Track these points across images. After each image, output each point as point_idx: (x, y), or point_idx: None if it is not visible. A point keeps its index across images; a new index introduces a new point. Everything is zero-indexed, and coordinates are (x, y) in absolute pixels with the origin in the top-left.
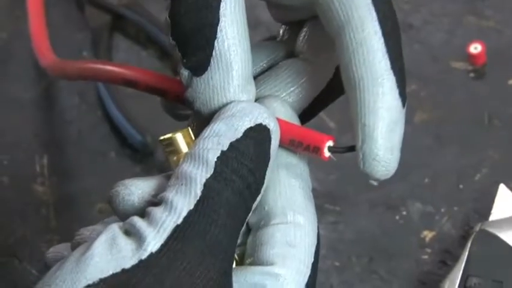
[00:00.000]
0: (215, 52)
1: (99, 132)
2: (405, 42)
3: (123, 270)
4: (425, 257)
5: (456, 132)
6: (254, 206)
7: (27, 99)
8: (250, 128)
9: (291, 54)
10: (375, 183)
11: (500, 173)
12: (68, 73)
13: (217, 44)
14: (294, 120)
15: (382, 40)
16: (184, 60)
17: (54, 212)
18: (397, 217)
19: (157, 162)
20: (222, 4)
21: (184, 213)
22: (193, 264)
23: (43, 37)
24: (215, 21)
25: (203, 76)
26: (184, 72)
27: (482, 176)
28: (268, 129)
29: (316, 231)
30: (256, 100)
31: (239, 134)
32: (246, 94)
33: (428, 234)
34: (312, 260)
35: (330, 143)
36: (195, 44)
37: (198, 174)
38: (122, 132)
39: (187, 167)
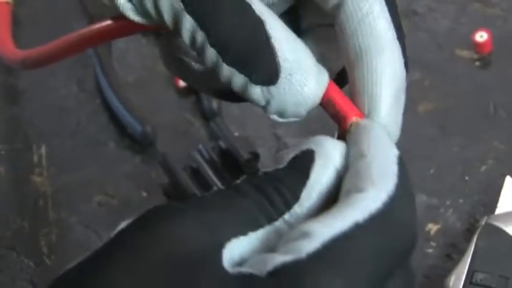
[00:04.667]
0: (279, 52)
1: (98, 122)
2: (409, 29)
3: None
4: (430, 250)
5: (461, 122)
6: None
7: (24, 88)
8: None
9: None
10: None
11: (507, 164)
12: (40, 60)
13: (275, 43)
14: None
15: (386, 9)
16: (254, 77)
17: (52, 204)
18: None
19: (157, 152)
20: (253, 6)
21: None
22: None
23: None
24: (262, 23)
25: (280, 80)
26: (257, 90)
27: (488, 167)
28: None
29: None
30: None
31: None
32: (323, 75)
33: (433, 227)
34: None
35: (355, 119)
36: (257, 53)
37: None
38: (121, 121)
39: None
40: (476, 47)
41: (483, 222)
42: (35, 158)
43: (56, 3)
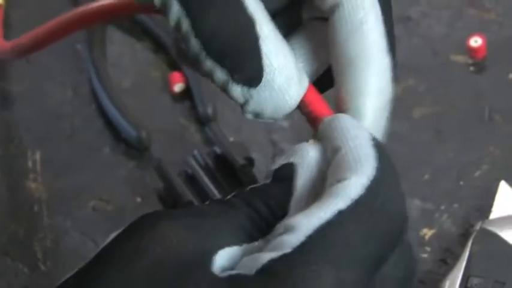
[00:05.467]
0: (264, 54)
1: (93, 127)
2: (404, 35)
3: None
4: (425, 255)
5: (456, 127)
6: None
7: (18, 94)
8: None
9: None
10: None
11: (501, 169)
12: (29, 46)
13: (263, 44)
14: None
15: (381, 19)
16: (236, 76)
17: (47, 209)
18: None
19: (152, 157)
20: (246, 3)
21: None
22: None
23: None
24: (252, 23)
25: (262, 84)
26: (237, 89)
27: (483, 172)
28: None
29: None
30: None
31: None
32: (304, 81)
33: (427, 232)
34: None
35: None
36: (243, 52)
37: None
38: (116, 127)
39: None
40: (471, 52)
41: (478, 227)
42: (30, 164)
43: (48, 4)
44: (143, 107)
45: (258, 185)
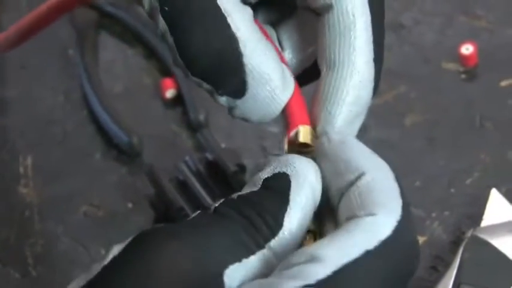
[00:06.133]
0: (248, 70)
1: (85, 133)
2: (396, 42)
3: None
4: None
5: (447, 135)
6: None
7: (10, 99)
8: None
9: None
10: None
11: (492, 177)
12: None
13: (246, 61)
14: None
15: (371, 26)
16: (220, 91)
17: (38, 215)
18: None
19: (144, 163)
20: (229, 20)
21: None
22: None
23: None
24: (235, 42)
25: (246, 96)
26: (223, 99)
27: (474, 180)
28: None
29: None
30: None
31: None
32: (289, 87)
33: (419, 239)
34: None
35: (302, 129)
36: (226, 71)
37: None
38: (107, 132)
39: None
40: (463, 59)
41: (469, 235)
42: (21, 169)
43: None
44: (135, 113)
45: (247, 192)
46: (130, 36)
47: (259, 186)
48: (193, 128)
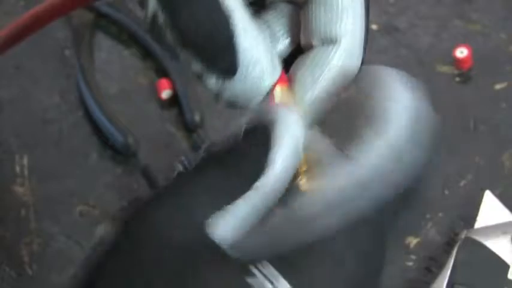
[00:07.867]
0: (239, 51)
1: (81, 133)
2: (391, 45)
3: None
4: (410, 263)
5: (441, 137)
6: None
7: (6, 99)
8: None
9: None
10: None
11: (486, 179)
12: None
13: (239, 40)
14: None
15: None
16: (210, 68)
17: (34, 214)
18: None
19: (140, 163)
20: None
21: None
22: None
23: None
24: (227, 20)
25: (237, 76)
26: (211, 80)
27: (468, 182)
28: None
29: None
30: None
31: None
32: (277, 71)
33: (412, 241)
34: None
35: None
36: (218, 48)
37: None
38: (103, 133)
39: None
40: (457, 62)
41: (463, 236)
42: (17, 168)
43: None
44: (131, 114)
45: (228, 141)
46: (126, 37)
47: (242, 134)
48: (189, 128)
